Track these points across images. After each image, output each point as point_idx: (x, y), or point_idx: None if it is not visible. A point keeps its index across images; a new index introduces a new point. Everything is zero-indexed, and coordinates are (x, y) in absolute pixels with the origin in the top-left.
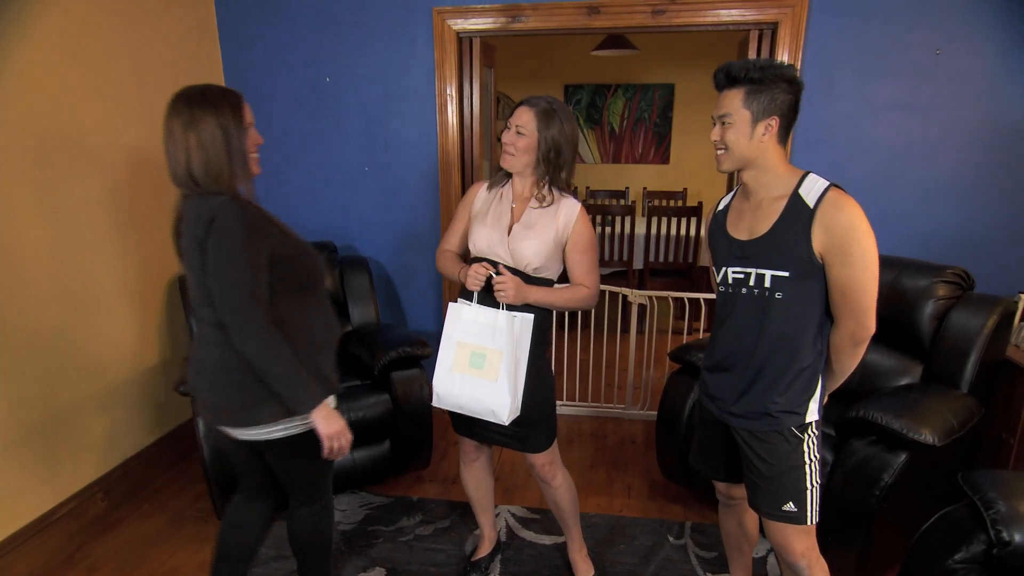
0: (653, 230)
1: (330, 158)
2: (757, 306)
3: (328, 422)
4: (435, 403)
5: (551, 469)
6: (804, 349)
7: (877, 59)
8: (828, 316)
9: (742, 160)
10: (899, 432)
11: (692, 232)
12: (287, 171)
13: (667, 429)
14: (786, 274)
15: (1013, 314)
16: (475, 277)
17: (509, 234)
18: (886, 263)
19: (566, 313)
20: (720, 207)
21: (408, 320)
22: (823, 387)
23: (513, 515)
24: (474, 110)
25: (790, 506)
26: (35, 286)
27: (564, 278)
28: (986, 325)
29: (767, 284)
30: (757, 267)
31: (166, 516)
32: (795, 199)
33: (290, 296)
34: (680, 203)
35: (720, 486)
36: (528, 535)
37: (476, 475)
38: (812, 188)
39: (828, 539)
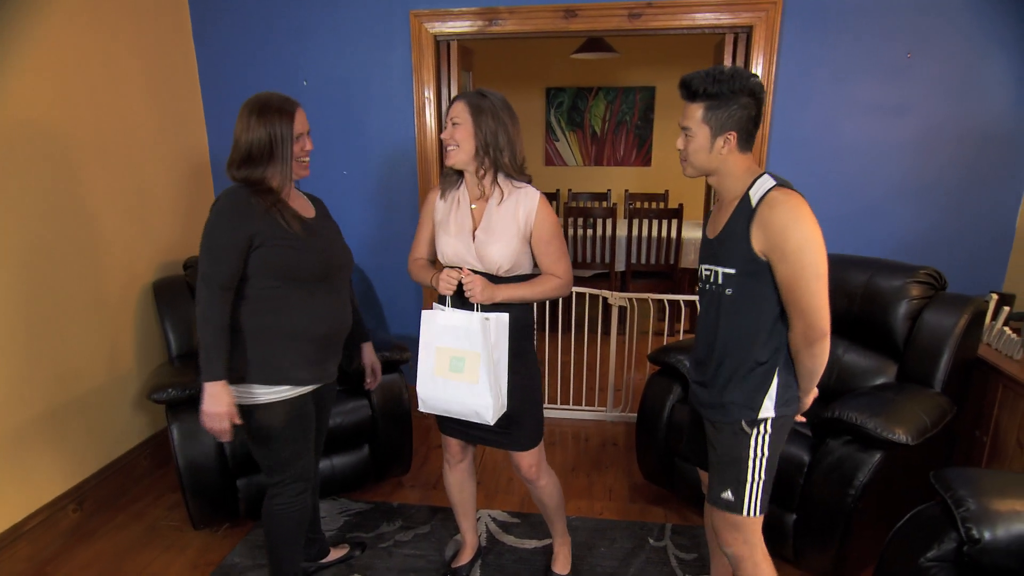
0: (635, 232)
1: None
2: (714, 302)
3: (211, 400)
4: (421, 408)
5: (536, 470)
6: (756, 346)
7: (850, 62)
8: (784, 315)
9: (703, 170)
10: (873, 432)
11: (673, 234)
12: None
13: (647, 430)
14: (732, 271)
15: (984, 313)
16: (447, 281)
17: (474, 240)
18: (861, 264)
19: (547, 315)
20: (712, 208)
21: (389, 324)
22: (780, 383)
23: (494, 519)
24: None
25: (728, 494)
26: (2, 291)
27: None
28: (958, 324)
29: (719, 281)
30: (715, 264)
31: (141, 526)
32: (744, 199)
33: (274, 280)
34: (662, 205)
35: (704, 477)
36: (509, 540)
37: (460, 477)
38: (759, 188)
39: (805, 538)
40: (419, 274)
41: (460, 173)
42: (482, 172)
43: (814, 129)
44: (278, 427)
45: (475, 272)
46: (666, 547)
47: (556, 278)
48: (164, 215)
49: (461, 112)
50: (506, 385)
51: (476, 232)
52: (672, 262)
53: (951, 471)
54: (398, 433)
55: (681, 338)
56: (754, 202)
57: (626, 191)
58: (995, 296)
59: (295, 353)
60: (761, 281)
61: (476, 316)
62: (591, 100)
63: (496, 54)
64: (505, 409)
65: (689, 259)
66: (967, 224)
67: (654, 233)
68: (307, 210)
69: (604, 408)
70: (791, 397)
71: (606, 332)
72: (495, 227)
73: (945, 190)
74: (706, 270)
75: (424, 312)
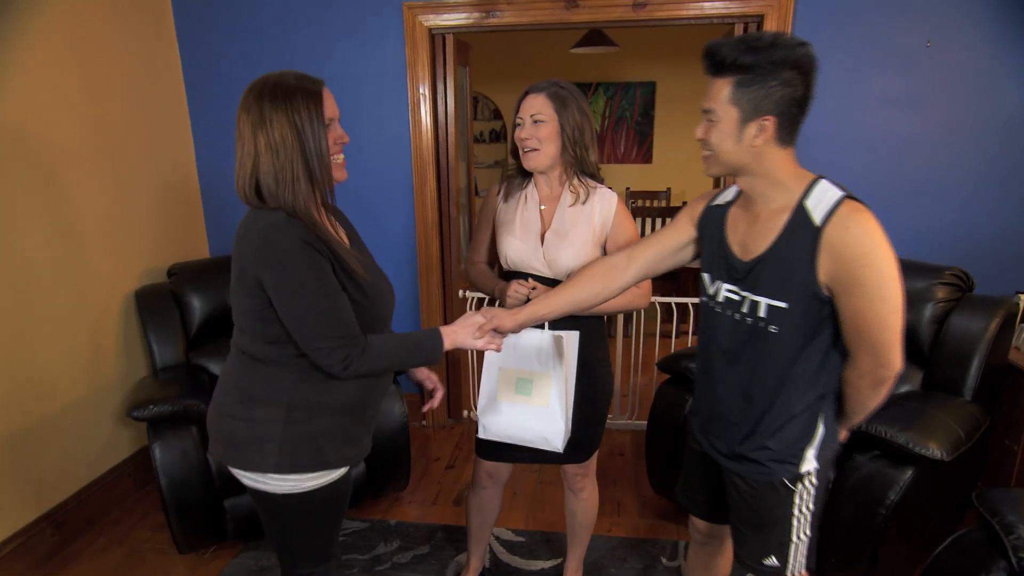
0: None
1: None
2: (747, 335)
3: (461, 337)
4: (481, 435)
5: (583, 480)
6: (800, 390)
7: (867, 52)
8: (837, 349)
9: (730, 166)
10: (904, 447)
11: None
12: None
13: (658, 442)
14: (784, 305)
15: (1015, 316)
16: (515, 297)
17: (542, 243)
18: None
19: None
20: (720, 200)
21: None
22: (828, 430)
23: (498, 538)
24: (448, 110)
25: (772, 560)
26: None
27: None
28: (988, 329)
29: (761, 314)
30: (752, 292)
31: (124, 549)
32: (799, 214)
33: None
34: (664, 203)
35: (699, 524)
36: (514, 560)
37: (484, 502)
38: (821, 200)
39: (832, 559)
40: (479, 280)
41: (527, 173)
42: (561, 172)
43: (827, 123)
44: (316, 516)
45: (541, 279)
46: (680, 567)
47: (634, 288)
48: (148, 220)
49: (544, 107)
50: (575, 404)
51: (546, 234)
52: None
53: (996, 493)
54: (395, 447)
55: (690, 342)
56: (817, 219)
57: (627, 189)
58: None
59: (344, 430)
60: (816, 317)
61: (547, 334)
62: (590, 96)
63: (492, 49)
64: (571, 434)
65: (673, 235)
66: (993, 221)
67: None
68: (343, 237)
69: (610, 415)
70: (832, 437)
71: (611, 334)
72: (568, 230)
73: (968, 185)
74: (734, 294)
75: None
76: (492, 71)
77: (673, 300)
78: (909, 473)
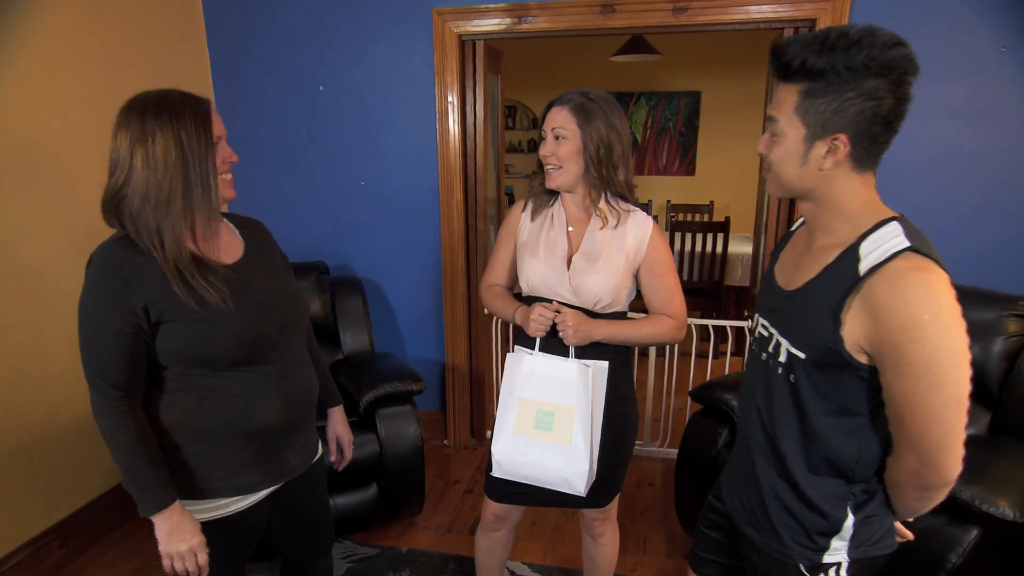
0: (677, 246)
1: (323, 171)
2: (768, 381)
3: (169, 538)
4: (496, 472)
5: (603, 524)
6: (817, 463)
7: (932, 59)
8: (879, 431)
9: (791, 190)
10: (969, 503)
11: (719, 249)
12: (278, 185)
13: (688, 477)
14: (801, 356)
15: None
16: (539, 321)
17: (568, 267)
18: None
19: None
20: (794, 227)
21: (407, 347)
22: (867, 523)
23: (512, 573)
24: (477, 119)
25: None
26: None
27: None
28: None
29: (782, 359)
30: (779, 330)
31: (131, 564)
32: (849, 255)
33: (186, 366)
34: (706, 217)
35: None
36: None
37: (492, 543)
38: (879, 246)
39: None
40: (495, 304)
41: (553, 190)
42: (586, 191)
43: None
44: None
45: (566, 306)
46: None
47: (669, 319)
48: None
49: (566, 121)
50: (599, 445)
51: (573, 258)
52: (717, 279)
53: None
54: (409, 471)
55: (728, 368)
56: (863, 266)
57: (668, 202)
58: None
59: (230, 455)
60: (839, 384)
61: (573, 363)
62: (632, 106)
63: (531, 57)
64: (595, 476)
65: (736, 276)
66: None
67: (697, 247)
68: (232, 250)
69: (640, 441)
70: (879, 532)
71: (643, 354)
72: (598, 254)
73: None
74: (764, 329)
75: (509, 355)
76: (531, 79)
77: (710, 323)
78: (974, 534)
